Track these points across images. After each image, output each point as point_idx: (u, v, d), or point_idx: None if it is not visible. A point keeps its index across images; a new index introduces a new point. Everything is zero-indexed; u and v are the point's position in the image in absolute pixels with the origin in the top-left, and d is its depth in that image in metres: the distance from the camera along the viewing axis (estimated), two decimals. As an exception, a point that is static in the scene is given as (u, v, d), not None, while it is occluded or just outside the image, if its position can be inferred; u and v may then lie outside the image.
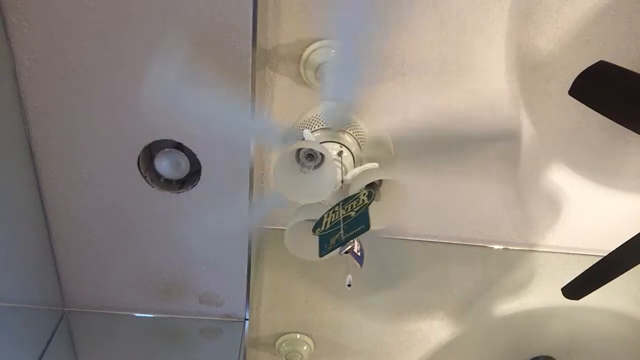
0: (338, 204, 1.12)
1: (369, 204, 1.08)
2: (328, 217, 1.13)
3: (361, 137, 1.29)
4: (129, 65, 1.43)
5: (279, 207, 1.33)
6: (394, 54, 1.65)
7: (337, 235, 1.07)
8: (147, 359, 2.06)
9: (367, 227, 1.05)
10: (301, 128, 1.26)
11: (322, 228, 1.12)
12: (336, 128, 1.26)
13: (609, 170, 1.94)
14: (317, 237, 1.12)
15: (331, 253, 1.10)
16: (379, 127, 1.30)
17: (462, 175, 1.92)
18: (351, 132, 1.27)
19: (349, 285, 1.06)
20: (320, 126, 1.26)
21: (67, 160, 1.60)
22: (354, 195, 1.11)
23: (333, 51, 1.62)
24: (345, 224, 1.08)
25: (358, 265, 1.16)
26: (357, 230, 1.06)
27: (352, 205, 1.10)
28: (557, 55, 1.68)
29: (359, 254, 1.15)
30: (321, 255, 1.11)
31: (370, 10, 1.03)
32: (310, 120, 1.26)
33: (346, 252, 1.12)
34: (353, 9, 1.02)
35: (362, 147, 1.29)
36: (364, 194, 1.10)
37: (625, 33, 1.63)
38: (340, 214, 1.10)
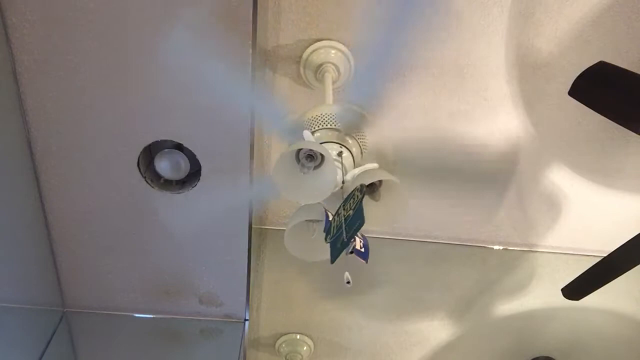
0: (340, 207, 1.12)
1: (362, 198, 1.06)
2: (334, 222, 1.12)
3: (361, 137, 1.28)
4: (129, 65, 1.43)
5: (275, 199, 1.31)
6: (394, 55, 1.65)
7: (341, 238, 1.06)
8: (147, 359, 2.05)
9: (363, 222, 1.02)
10: (306, 125, 1.25)
11: (331, 234, 1.11)
12: (345, 130, 1.24)
13: (609, 170, 1.93)
14: (328, 245, 1.11)
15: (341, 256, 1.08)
16: (378, 127, 1.30)
17: (462, 175, 1.92)
18: (352, 133, 1.27)
19: (348, 283, 1.04)
20: (324, 126, 1.25)
21: (67, 160, 1.60)
22: (350, 194, 1.10)
23: (333, 52, 1.62)
24: (346, 224, 1.07)
25: (363, 261, 1.13)
26: (355, 227, 1.04)
27: (350, 204, 1.09)
28: (557, 55, 1.67)
29: (362, 250, 1.14)
30: (332, 262, 1.08)
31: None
32: (314, 119, 1.26)
33: (351, 252, 1.11)
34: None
35: (363, 150, 1.28)
36: (357, 189, 1.08)
37: (625, 33, 1.63)
38: (342, 216, 1.10)
